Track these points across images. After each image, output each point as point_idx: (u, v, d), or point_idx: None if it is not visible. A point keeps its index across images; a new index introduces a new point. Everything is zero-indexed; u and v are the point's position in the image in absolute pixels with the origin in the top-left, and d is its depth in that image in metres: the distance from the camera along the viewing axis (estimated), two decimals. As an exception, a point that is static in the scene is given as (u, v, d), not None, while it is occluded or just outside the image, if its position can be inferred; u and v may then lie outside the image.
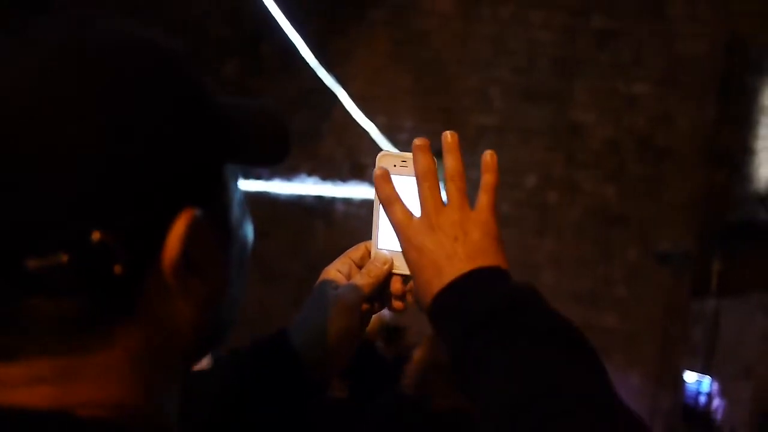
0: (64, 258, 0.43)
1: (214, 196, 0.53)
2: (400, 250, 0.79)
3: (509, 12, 8.69)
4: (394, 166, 0.82)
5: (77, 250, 0.44)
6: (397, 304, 0.83)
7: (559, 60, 8.54)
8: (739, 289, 7.17)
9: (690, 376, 7.32)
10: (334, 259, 0.90)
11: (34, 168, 0.43)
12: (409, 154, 0.81)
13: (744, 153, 8.64)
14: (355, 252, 0.87)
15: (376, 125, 7.95)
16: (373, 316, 0.85)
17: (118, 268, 0.45)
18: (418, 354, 2.76)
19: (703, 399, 7.16)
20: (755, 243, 8.01)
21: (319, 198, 8.32)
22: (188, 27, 7.13)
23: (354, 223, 8.27)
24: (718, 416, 6.99)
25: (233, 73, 8.08)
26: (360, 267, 0.85)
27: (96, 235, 0.44)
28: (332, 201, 8.39)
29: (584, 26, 8.52)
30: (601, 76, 8.42)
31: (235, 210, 0.56)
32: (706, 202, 8.15)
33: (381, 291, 0.83)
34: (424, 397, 2.62)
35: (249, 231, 0.59)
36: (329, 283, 0.84)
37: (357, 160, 8.48)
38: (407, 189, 0.81)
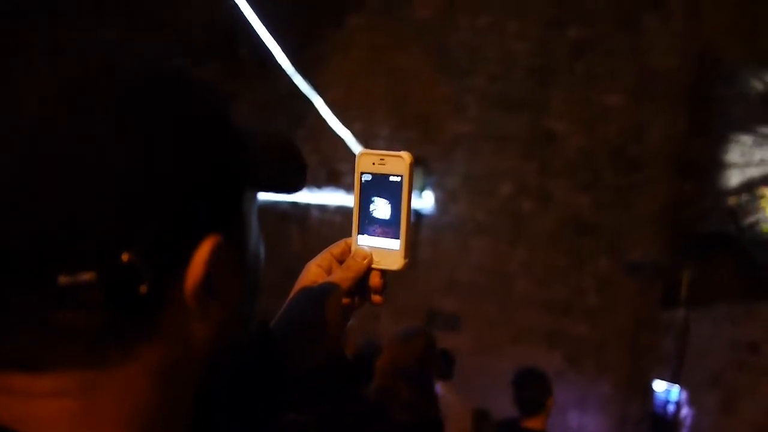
0: (94, 276, 0.46)
1: (235, 223, 0.56)
2: (380, 246, 0.82)
3: (486, 21, 8.75)
4: (373, 164, 0.84)
5: (107, 269, 0.46)
6: (376, 298, 0.86)
7: (534, 69, 8.62)
8: (708, 300, 7.26)
9: (659, 385, 7.40)
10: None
11: (70, 191, 0.45)
12: (388, 152, 0.83)
13: (714, 165, 8.76)
14: (336, 248, 0.90)
15: (352, 132, 7.96)
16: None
17: (143, 288, 0.48)
18: (381, 361, 2.77)
19: (671, 407, 7.24)
20: (724, 254, 8.14)
21: (294, 204, 8.31)
22: (167, 30, 7.10)
23: (329, 229, 8.27)
24: (687, 425, 7.07)
25: (211, 77, 8.05)
26: (341, 262, 0.87)
27: (125, 256, 0.46)
28: (307, 207, 8.39)
29: (560, 36, 8.61)
30: (576, 86, 8.50)
31: (253, 236, 0.59)
32: (676, 213, 8.25)
33: (361, 285, 0.85)
34: (387, 402, 2.63)
35: (262, 254, 0.62)
36: (311, 278, 0.86)
37: (332, 167, 8.48)
38: (383, 187, 0.83)
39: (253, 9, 5.98)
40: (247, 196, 0.57)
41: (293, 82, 7.21)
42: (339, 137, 7.85)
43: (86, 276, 0.45)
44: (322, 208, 8.37)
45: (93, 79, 0.48)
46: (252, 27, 6.16)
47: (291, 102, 7.91)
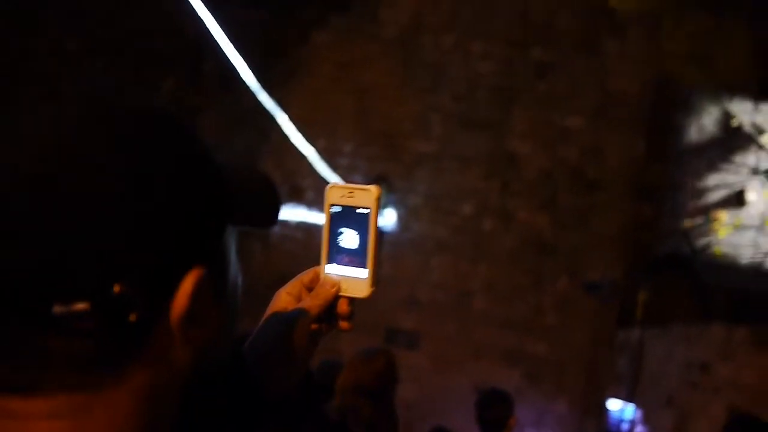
0: (88, 305, 0.49)
1: (218, 256, 0.59)
2: (348, 274, 0.85)
3: (451, 41, 8.85)
4: (342, 196, 0.87)
5: (99, 299, 0.49)
6: (343, 324, 0.89)
7: (497, 90, 8.73)
8: (663, 320, 7.40)
9: (614, 404, 7.49)
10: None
11: (68, 228, 0.49)
12: (356, 186, 0.86)
13: (670, 188, 8.96)
14: (306, 276, 0.92)
15: (315, 148, 7.96)
16: None
17: (133, 317, 0.51)
18: (342, 380, 2.78)
19: (626, 426, 7.34)
20: (678, 276, 8.30)
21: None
22: (129, 41, 7.05)
23: (291, 245, 8.24)
24: (641, 443, 7.18)
25: (172, 90, 8.00)
26: (310, 290, 0.89)
27: (117, 288, 0.50)
28: (269, 222, 8.34)
29: (523, 58, 8.75)
30: (538, 108, 8.64)
31: (233, 267, 0.62)
32: (633, 234, 8.41)
33: (329, 312, 0.87)
34: (348, 421, 2.63)
35: (240, 283, 0.65)
36: (281, 305, 0.89)
37: (295, 183, 8.47)
38: (351, 218, 0.86)
39: (218, 23, 5.96)
40: (228, 230, 0.60)
41: (257, 98, 7.19)
42: (302, 154, 7.85)
43: (80, 305, 0.49)
44: (285, 224, 8.34)
45: (89, 125, 0.52)
46: (217, 41, 6.14)
47: (255, 118, 7.90)
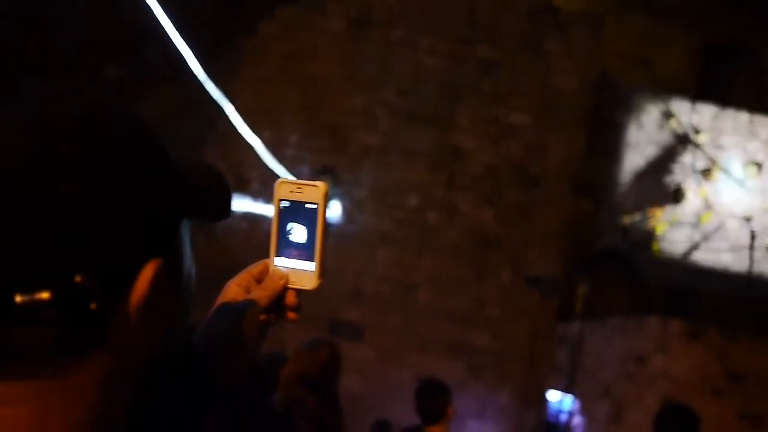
0: (49, 295, 0.50)
1: (173, 248, 0.61)
2: (296, 267, 0.87)
3: (398, 35, 8.89)
4: (291, 192, 0.89)
5: (61, 289, 0.51)
6: (291, 315, 0.92)
7: (443, 85, 8.81)
8: (601, 313, 7.58)
9: (553, 395, 7.66)
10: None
11: (31, 223, 0.51)
12: (304, 182, 0.89)
13: (609, 185, 9.19)
14: (255, 268, 0.94)
15: (261, 139, 7.91)
16: None
17: (93, 306, 0.52)
18: (287, 371, 2.79)
19: (564, 417, 7.52)
20: (616, 270, 8.53)
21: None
22: (68, 25, 6.88)
23: (236, 236, 8.18)
24: (578, 433, 7.36)
25: (114, 77, 7.84)
26: (259, 281, 0.91)
27: (78, 278, 0.51)
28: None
29: (469, 55, 8.84)
30: (483, 104, 8.75)
31: (187, 258, 0.65)
32: (573, 229, 8.60)
33: (277, 303, 0.90)
34: (293, 412, 2.65)
35: (194, 273, 0.68)
36: (230, 296, 0.91)
37: (241, 174, 8.40)
38: (300, 213, 0.88)
39: (164, 10, 5.84)
40: (183, 224, 0.63)
41: (204, 88, 7.08)
42: (249, 144, 7.78)
43: (43, 295, 0.50)
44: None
45: (46, 123, 0.55)
46: (163, 29, 6.01)
47: (201, 107, 7.80)
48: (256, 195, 8.46)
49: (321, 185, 0.88)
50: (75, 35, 6.88)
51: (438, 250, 8.51)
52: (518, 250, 8.43)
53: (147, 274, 0.56)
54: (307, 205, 0.89)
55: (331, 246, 8.65)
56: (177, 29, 6.04)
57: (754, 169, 9.39)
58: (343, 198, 8.63)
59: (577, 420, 7.40)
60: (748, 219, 9.15)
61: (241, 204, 8.32)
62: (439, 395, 3.63)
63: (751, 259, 7.41)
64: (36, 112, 0.56)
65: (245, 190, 8.40)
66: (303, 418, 2.66)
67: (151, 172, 0.58)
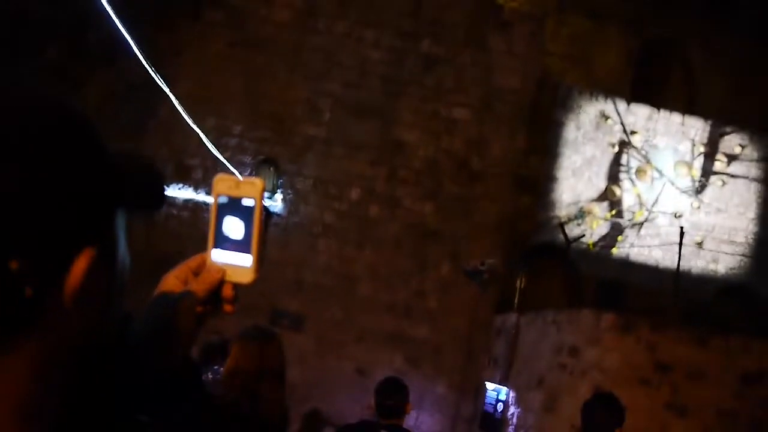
0: None
1: (108, 237, 0.63)
2: (232, 261, 0.90)
3: (344, 27, 8.90)
4: (228, 187, 0.92)
5: None
6: (227, 307, 0.94)
7: (387, 79, 8.85)
8: (537, 306, 7.73)
9: (490, 386, 7.79)
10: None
11: None
12: (242, 179, 0.91)
13: (547, 180, 9.39)
14: (193, 261, 0.96)
15: (204, 127, 7.81)
16: None
17: (29, 291, 0.54)
18: (237, 362, 2.81)
19: (500, 407, 7.66)
20: (553, 264, 8.70)
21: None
22: (8, 4, 6.69)
23: (175, 224, 8.08)
24: (513, 423, 7.51)
25: (55, 59, 7.65)
26: (196, 274, 0.94)
27: (14, 264, 0.53)
28: (153, 201, 8.12)
29: (413, 49, 8.91)
30: (425, 99, 8.83)
31: (121, 247, 0.67)
32: (512, 224, 8.77)
33: (214, 296, 0.93)
34: (231, 401, 2.66)
35: (128, 261, 0.70)
36: (168, 288, 0.93)
37: (182, 161, 8.30)
38: (237, 209, 0.91)
39: (105, -7, 5.70)
40: (117, 214, 0.65)
41: (145, 72, 6.94)
42: (191, 131, 7.67)
43: None
44: (170, 203, 8.17)
45: None
46: (104, 11, 5.88)
47: (142, 93, 7.67)
48: (197, 183, 8.37)
49: (258, 182, 0.90)
50: (11, 15, 6.68)
51: (379, 243, 8.56)
52: (458, 243, 8.54)
53: (82, 261, 0.58)
54: (244, 201, 0.92)
55: (273, 237, 8.63)
56: (118, 12, 5.92)
57: (684, 169, 9.72)
58: (285, 189, 8.62)
59: (512, 410, 7.56)
60: (677, 216, 9.49)
61: (181, 192, 8.22)
62: (399, 393, 3.75)
63: (680, 254, 7.65)
64: None
65: (186, 178, 8.31)
66: (263, 404, 2.67)
67: (84, 161, 0.60)
